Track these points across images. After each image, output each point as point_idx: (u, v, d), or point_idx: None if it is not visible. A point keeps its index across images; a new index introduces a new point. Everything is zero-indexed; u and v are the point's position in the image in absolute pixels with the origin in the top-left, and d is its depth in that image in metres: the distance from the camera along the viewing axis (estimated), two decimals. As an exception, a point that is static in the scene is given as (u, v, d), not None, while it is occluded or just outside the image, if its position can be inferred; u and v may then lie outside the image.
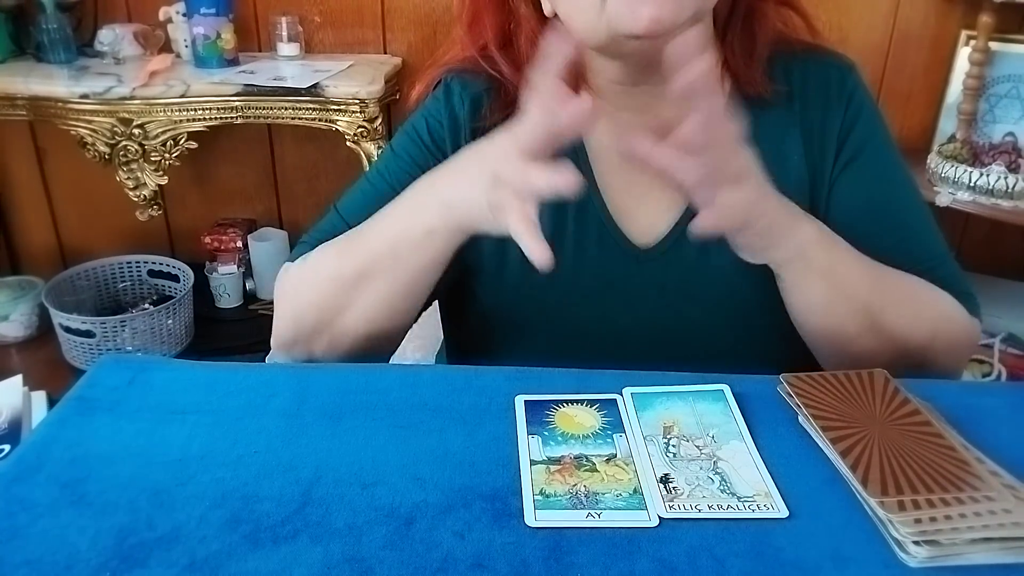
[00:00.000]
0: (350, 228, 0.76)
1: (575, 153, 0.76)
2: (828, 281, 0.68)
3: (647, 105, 0.76)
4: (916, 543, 0.46)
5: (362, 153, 1.71)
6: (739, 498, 0.50)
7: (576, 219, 0.76)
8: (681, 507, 0.49)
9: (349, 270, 0.70)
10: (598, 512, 0.49)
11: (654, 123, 0.76)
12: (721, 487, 0.51)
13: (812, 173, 0.76)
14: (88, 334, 1.69)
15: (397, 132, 0.83)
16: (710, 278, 0.74)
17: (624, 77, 0.75)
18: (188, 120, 1.67)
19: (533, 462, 0.54)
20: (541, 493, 0.51)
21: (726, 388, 0.61)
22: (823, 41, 0.79)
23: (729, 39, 0.75)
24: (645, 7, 0.63)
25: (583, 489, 0.51)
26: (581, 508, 0.50)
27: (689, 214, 0.75)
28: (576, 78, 0.77)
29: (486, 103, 0.77)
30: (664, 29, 0.64)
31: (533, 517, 0.49)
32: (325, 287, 0.71)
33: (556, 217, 0.76)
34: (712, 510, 0.49)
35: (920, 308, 0.72)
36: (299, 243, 0.81)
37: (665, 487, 0.51)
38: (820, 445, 0.55)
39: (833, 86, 0.77)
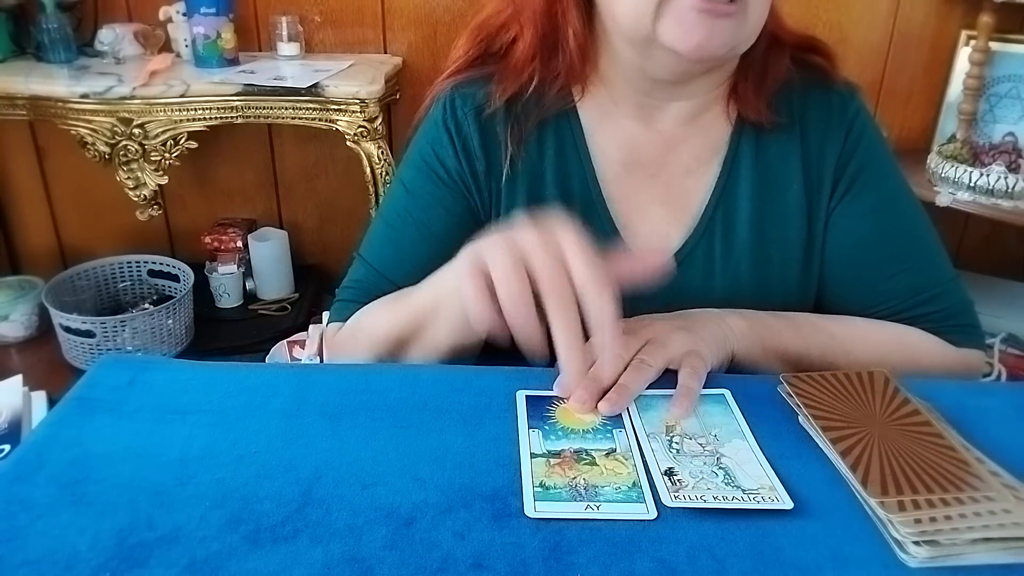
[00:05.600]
0: (384, 278, 0.78)
1: (580, 163, 0.77)
2: (767, 352, 0.70)
3: (652, 116, 0.77)
4: (916, 543, 0.46)
5: (362, 153, 1.71)
6: (743, 491, 0.50)
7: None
8: (686, 497, 0.50)
9: (399, 328, 0.71)
10: (597, 504, 0.49)
11: (656, 135, 0.77)
12: (725, 480, 0.51)
13: (810, 202, 0.76)
14: (88, 334, 1.69)
15: (404, 163, 0.82)
16: (713, 300, 0.73)
17: (639, 84, 0.75)
18: (188, 120, 1.67)
19: (533, 455, 0.54)
20: (541, 485, 0.51)
21: (727, 392, 0.61)
22: (837, 69, 0.79)
23: (743, 67, 0.75)
24: (697, 32, 0.64)
25: (582, 482, 0.51)
26: (580, 500, 0.50)
27: (695, 235, 0.76)
28: (588, 73, 0.77)
29: (485, 97, 0.77)
30: (706, 56, 0.66)
31: (533, 508, 0.49)
32: (383, 348, 0.73)
33: None
34: (717, 500, 0.49)
35: (881, 352, 0.73)
36: (336, 300, 0.82)
37: (669, 479, 0.51)
38: (820, 445, 0.55)
39: (834, 113, 0.77)
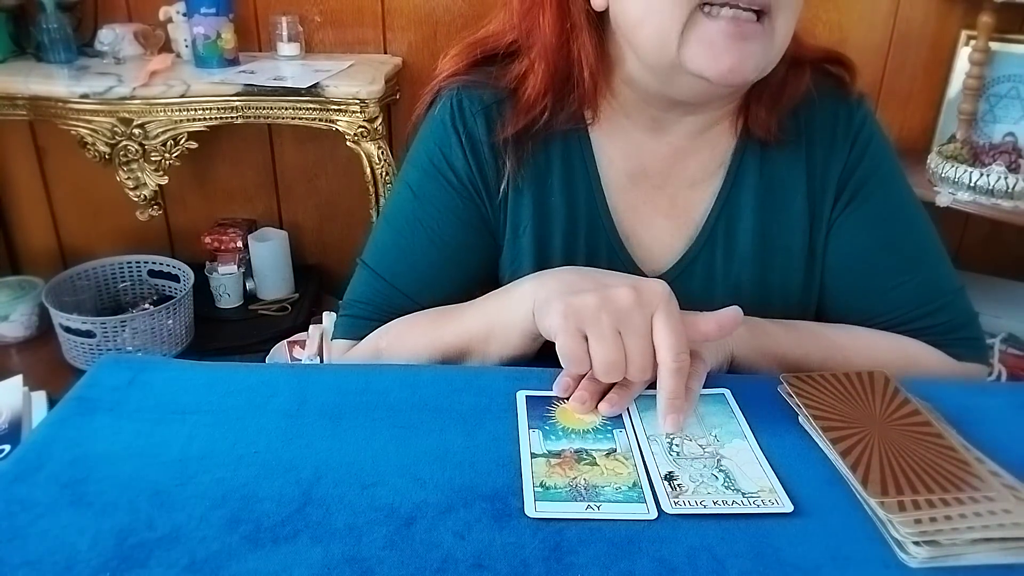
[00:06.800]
0: (396, 290, 0.76)
1: (587, 174, 0.76)
2: (766, 358, 0.70)
3: (664, 128, 0.76)
4: (916, 543, 0.46)
5: (362, 153, 1.71)
6: (743, 494, 0.50)
7: (587, 239, 0.76)
8: (687, 503, 0.50)
9: (443, 351, 0.71)
10: (597, 504, 0.49)
11: (665, 146, 0.76)
12: (725, 483, 0.51)
13: (812, 212, 0.76)
14: (88, 334, 1.69)
15: (409, 164, 0.79)
16: (713, 309, 0.72)
17: (657, 102, 0.73)
18: (188, 120, 1.67)
19: (534, 455, 0.54)
20: (541, 485, 0.51)
21: (727, 392, 0.61)
22: (855, 82, 0.78)
23: (758, 87, 0.73)
24: (728, 56, 0.62)
25: (583, 482, 0.52)
26: (581, 500, 0.50)
27: (697, 245, 0.76)
28: (600, 100, 0.75)
29: (498, 116, 0.75)
30: (736, 81, 0.64)
31: (533, 508, 0.49)
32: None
33: (567, 237, 0.76)
34: (717, 505, 0.49)
35: (882, 362, 0.71)
36: (343, 314, 0.79)
37: (670, 484, 0.51)
38: (820, 445, 0.55)
39: (840, 123, 0.76)
